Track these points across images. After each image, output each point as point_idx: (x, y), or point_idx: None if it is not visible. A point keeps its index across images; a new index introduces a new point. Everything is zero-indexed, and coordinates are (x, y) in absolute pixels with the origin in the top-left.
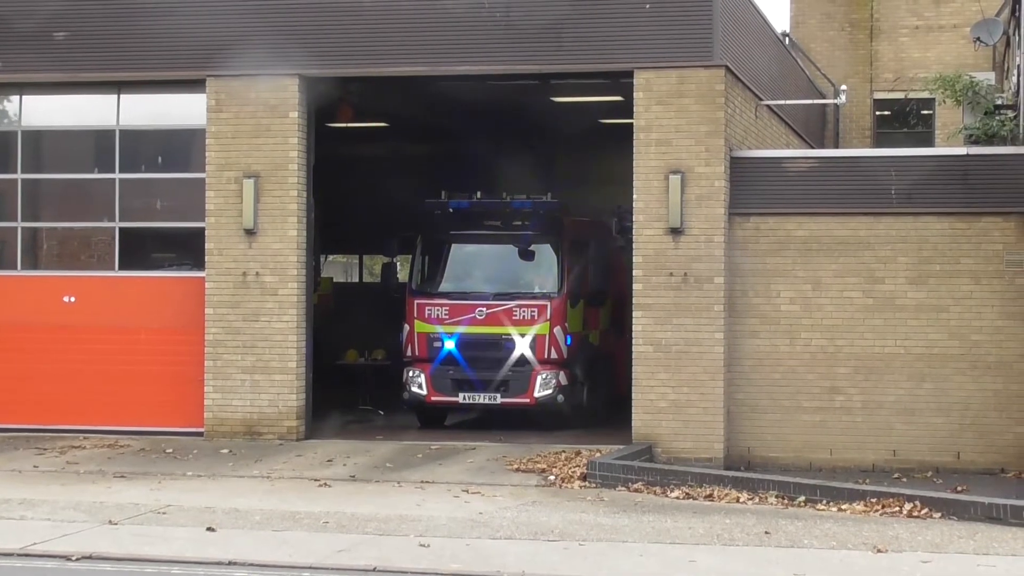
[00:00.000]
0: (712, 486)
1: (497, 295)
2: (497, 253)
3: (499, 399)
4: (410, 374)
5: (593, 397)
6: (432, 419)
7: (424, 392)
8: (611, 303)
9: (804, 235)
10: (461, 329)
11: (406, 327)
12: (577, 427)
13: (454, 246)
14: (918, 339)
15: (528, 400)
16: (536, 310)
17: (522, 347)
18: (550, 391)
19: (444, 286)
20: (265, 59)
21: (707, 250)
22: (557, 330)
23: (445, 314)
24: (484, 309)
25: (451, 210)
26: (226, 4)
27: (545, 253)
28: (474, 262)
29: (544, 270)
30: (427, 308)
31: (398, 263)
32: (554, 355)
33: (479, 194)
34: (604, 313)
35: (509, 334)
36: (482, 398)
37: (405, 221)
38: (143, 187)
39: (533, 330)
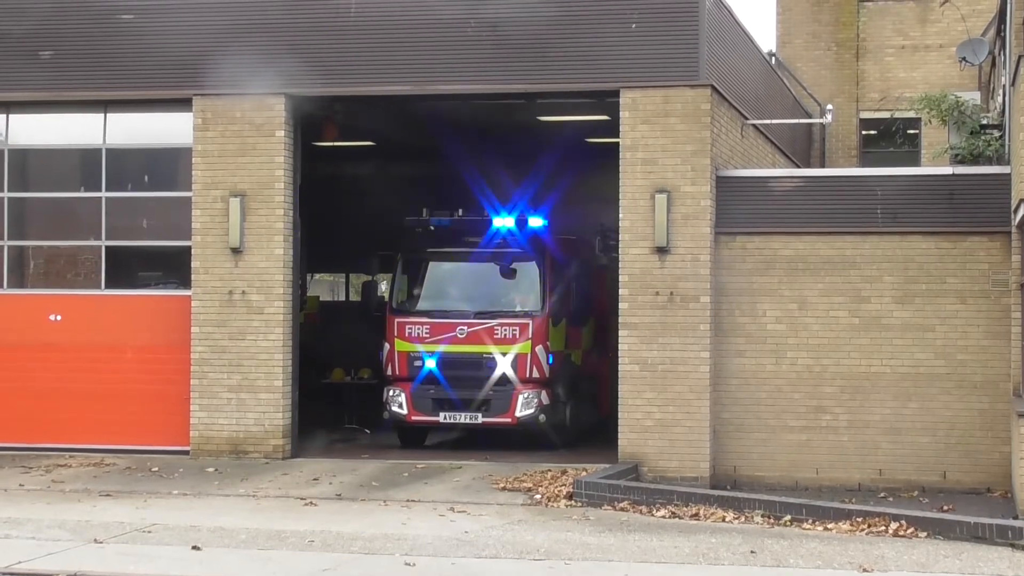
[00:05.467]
0: (698, 505)
1: (478, 314)
2: (478, 271)
3: (480, 419)
4: (390, 393)
5: (576, 417)
6: (413, 439)
7: (404, 412)
8: (594, 322)
9: (790, 254)
10: (442, 348)
11: (386, 346)
12: (563, 446)
13: (435, 264)
14: (904, 358)
15: (510, 420)
16: (518, 329)
17: (503, 366)
18: (532, 411)
19: (425, 304)
20: (251, 78)
21: (693, 269)
22: (539, 349)
23: (426, 333)
24: (465, 328)
25: (432, 227)
26: (212, 23)
27: (527, 271)
28: (455, 280)
29: (526, 288)
30: (408, 327)
31: (379, 282)
32: (536, 374)
33: (460, 211)
34: (587, 332)
35: (490, 353)
36: (463, 418)
37: (391, 239)
38: (129, 206)
39: (515, 349)
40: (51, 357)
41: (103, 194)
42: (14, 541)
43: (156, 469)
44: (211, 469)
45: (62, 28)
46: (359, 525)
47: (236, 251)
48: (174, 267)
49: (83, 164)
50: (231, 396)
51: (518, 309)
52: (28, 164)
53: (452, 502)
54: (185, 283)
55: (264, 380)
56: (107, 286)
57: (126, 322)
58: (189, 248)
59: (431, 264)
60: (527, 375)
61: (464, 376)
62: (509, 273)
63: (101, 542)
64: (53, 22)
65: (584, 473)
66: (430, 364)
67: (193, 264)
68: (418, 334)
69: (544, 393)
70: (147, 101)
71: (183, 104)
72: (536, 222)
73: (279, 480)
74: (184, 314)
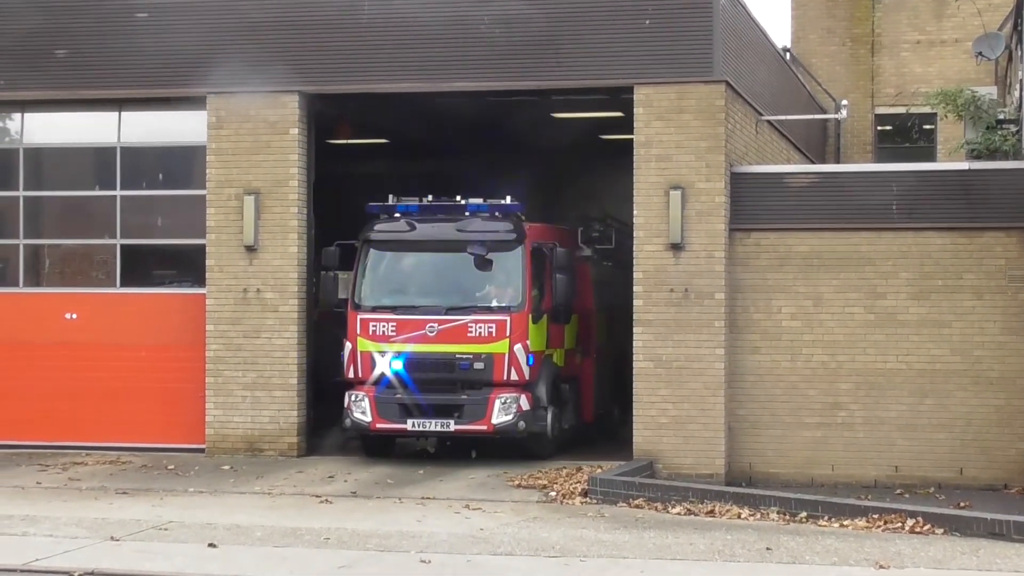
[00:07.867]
0: (713, 502)
1: (450, 309)
2: (450, 263)
3: (453, 426)
4: (352, 398)
5: (558, 423)
6: (378, 448)
7: (368, 419)
8: (577, 320)
9: (805, 251)
10: (410, 348)
11: (348, 345)
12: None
13: (402, 255)
14: (920, 355)
15: (486, 427)
16: (494, 326)
17: (478, 368)
18: (510, 417)
19: (390, 299)
20: (265, 76)
21: (708, 266)
22: (518, 348)
23: (392, 330)
24: (435, 325)
25: (398, 214)
26: (225, 22)
27: (504, 263)
28: (424, 272)
29: (503, 282)
30: (371, 324)
31: (339, 275)
32: (514, 377)
33: (430, 197)
34: (570, 330)
35: (464, 353)
36: (433, 425)
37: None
38: (144, 204)
39: (491, 348)
40: (67, 355)
41: (118, 192)
42: (31, 539)
43: (172, 467)
44: (226, 467)
45: (77, 27)
46: (374, 522)
47: (251, 249)
48: (189, 265)
49: (98, 163)
50: (246, 394)
51: (494, 304)
52: (43, 163)
53: (467, 499)
54: (200, 281)
55: (279, 378)
56: (122, 284)
57: (141, 320)
58: (204, 246)
59: (397, 255)
60: (505, 377)
61: (434, 379)
62: (484, 265)
63: (118, 540)
64: (68, 21)
65: (599, 470)
66: (396, 365)
67: (208, 262)
68: (383, 332)
69: (524, 398)
70: (161, 99)
71: (197, 102)
72: (515, 210)
73: (294, 478)
74: (199, 312)
